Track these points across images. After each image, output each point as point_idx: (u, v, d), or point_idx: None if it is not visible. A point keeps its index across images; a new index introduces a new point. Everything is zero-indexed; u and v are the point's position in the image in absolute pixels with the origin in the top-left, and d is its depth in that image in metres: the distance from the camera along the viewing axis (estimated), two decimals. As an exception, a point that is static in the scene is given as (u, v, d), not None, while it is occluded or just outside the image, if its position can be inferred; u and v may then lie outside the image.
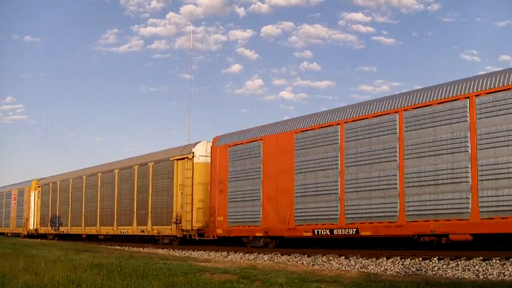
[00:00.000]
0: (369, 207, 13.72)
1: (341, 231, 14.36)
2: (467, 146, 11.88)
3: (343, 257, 13.64)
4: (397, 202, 13.07)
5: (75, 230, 29.03)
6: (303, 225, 15.45)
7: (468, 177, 11.75)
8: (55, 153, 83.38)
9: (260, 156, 17.12)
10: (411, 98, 13.24)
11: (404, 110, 13.21)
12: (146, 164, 23.00)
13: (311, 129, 15.65)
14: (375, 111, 13.97)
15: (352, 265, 12.36)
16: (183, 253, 18.62)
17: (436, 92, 12.80)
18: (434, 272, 10.33)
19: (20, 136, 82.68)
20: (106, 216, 25.80)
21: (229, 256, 16.35)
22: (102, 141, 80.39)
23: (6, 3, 72.69)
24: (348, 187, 14.29)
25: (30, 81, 78.17)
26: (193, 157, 20.18)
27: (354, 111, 14.71)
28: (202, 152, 20.39)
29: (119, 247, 21.79)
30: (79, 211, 28.55)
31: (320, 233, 14.95)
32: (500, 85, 11.53)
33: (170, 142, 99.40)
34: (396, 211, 13.11)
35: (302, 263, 13.35)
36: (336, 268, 12.03)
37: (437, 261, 11.56)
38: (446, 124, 12.35)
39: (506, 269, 9.85)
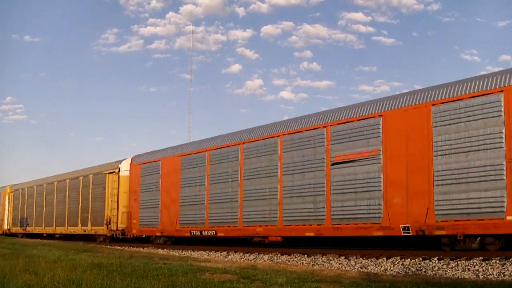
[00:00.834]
0: (223, 215, 18.53)
1: (207, 233, 19.26)
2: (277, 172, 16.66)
3: (343, 257, 13.64)
4: (237, 212, 17.88)
5: (38, 230, 33.90)
6: (184, 228, 20.36)
7: (276, 196, 16.51)
8: (55, 153, 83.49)
9: (159, 173, 22.07)
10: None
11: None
12: (88, 176, 28.02)
13: (188, 154, 20.78)
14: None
15: (352, 265, 12.36)
16: (183, 253, 18.62)
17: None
18: (434, 272, 10.32)
19: (20, 136, 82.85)
20: (60, 218, 30.86)
21: (229, 256, 16.35)
22: (102, 141, 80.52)
23: (5, 3, 72.70)
24: (211, 200, 19.11)
25: (30, 81, 78.38)
26: (119, 171, 24.99)
27: (218, 141, 19.71)
28: (126, 167, 24.80)
29: (119, 247, 21.81)
30: (40, 214, 33.69)
31: (194, 233, 19.87)
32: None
33: (170, 142, 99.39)
34: (237, 219, 17.88)
35: (302, 263, 13.36)
36: (336, 268, 12.03)
37: (437, 261, 11.55)
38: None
39: (506, 269, 9.85)
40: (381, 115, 13.88)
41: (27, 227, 35.32)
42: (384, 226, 13.44)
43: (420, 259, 12.00)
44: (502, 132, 11.45)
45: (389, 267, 11.51)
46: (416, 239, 13.70)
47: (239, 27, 77.55)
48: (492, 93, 11.58)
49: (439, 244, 12.75)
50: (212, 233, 18.97)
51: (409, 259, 12.17)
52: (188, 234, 20.01)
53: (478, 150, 11.78)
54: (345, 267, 12.12)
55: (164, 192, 21.53)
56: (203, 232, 19.34)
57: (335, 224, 14.60)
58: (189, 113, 67.36)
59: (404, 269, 11.10)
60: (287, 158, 16.23)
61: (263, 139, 17.16)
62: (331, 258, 13.82)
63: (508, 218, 11.09)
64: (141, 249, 20.80)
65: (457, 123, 12.21)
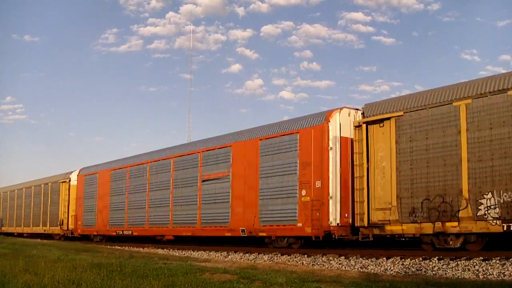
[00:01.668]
0: (136, 219, 23.67)
1: (126, 232, 24.40)
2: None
3: (343, 257, 13.64)
4: (145, 216, 22.98)
5: (10, 229, 38.86)
6: (112, 228, 25.43)
7: (168, 204, 21.58)
8: (55, 153, 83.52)
9: (96, 183, 27.29)
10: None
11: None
12: (47, 184, 33.16)
13: (115, 169, 25.89)
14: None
15: (352, 265, 12.36)
16: (183, 253, 18.63)
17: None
18: (434, 272, 10.32)
19: (19, 136, 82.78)
20: (26, 220, 36.18)
21: (229, 256, 16.35)
22: (102, 141, 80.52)
23: (5, 3, 72.68)
24: (129, 207, 24.22)
25: (30, 81, 78.31)
26: (69, 181, 30.10)
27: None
28: (75, 178, 29.82)
29: (119, 247, 21.82)
30: (12, 216, 39.20)
31: (118, 233, 25.01)
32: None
33: (170, 142, 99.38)
34: (145, 221, 22.94)
35: (302, 263, 13.35)
36: (336, 268, 12.03)
37: (437, 261, 11.55)
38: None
39: (506, 269, 9.85)
40: (230, 146, 18.58)
41: (1, 227, 40.75)
42: (230, 229, 18.16)
43: (420, 259, 12.00)
44: (297, 162, 15.95)
45: (389, 267, 11.51)
46: (249, 238, 17.93)
47: (239, 27, 77.52)
48: (292, 133, 16.48)
49: (263, 242, 17.44)
50: (129, 233, 24.17)
51: (409, 259, 12.16)
52: (115, 233, 25.38)
53: (284, 175, 16.38)
54: (345, 267, 12.12)
55: (99, 199, 26.90)
56: (124, 231, 24.55)
57: (203, 227, 19.48)
58: (189, 113, 67.23)
59: (404, 269, 11.10)
60: (176, 175, 21.30)
61: (163, 159, 22.47)
62: (331, 258, 13.81)
63: (299, 224, 15.59)
64: (141, 249, 20.82)
65: (273, 153, 16.91)
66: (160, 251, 19.71)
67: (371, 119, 14.28)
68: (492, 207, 11.59)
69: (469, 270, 10.21)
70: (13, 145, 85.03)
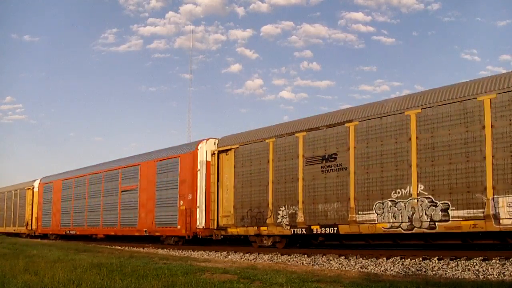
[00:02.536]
0: (79, 221, 28.45)
1: (72, 232, 29.37)
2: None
3: (343, 257, 13.64)
4: (84, 219, 28.11)
5: None
6: (63, 228, 30.46)
7: (99, 209, 26.78)
8: (55, 153, 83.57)
9: (52, 191, 32.38)
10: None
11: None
12: (17, 190, 38.41)
13: (64, 180, 31.18)
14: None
15: (352, 265, 12.35)
16: (183, 253, 18.62)
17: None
18: (434, 272, 10.32)
19: (19, 136, 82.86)
20: (1, 221, 41.19)
21: (229, 256, 16.34)
22: (102, 141, 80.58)
23: (5, 3, 72.72)
24: (74, 211, 29.21)
25: (30, 80, 78.37)
26: (33, 188, 35.09)
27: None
28: (37, 185, 34.65)
29: (119, 247, 21.83)
30: None
31: (66, 232, 29.92)
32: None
33: (171, 142, 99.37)
34: (84, 223, 27.99)
35: (302, 263, 13.35)
36: (336, 268, 12.03)
37: (437, 261, 11.56)
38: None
39: (506, 269, 9.85)
40: (139, 165, 23.68)
41: None
42: (138, 229, 23.13)
43: (420, 259, 12.00)
44: (177, 180, 20.77)
45: (389, 267, 11.51)
46: (150, 237, 22.94)
47: (239, 26, 77.51)
48: (175, 157, 21.28)
49: (159, 240, 22.43)
50: (74, 232, 29.14)
51: (409, 259, 12.17)
52: (64, 233, 30.31)
53: (170, 189, 21.18)
54: (345, 267, 12.12)
55: (53, 204, 31.91)
56: (70, 231, 29.52)
57: (122, 228, 24.57)
58: (189, 113, 67.35)
59: (404, 269, 11.10)
60: (106, 186, 26.26)
61: (96, 173, 27.68)
62: (331, 258, 13.81)
63: (178, 227, 20.35)
64: (141, 249, 20.83)
65: (164, 172, 21.76)
66: (160, 251, 19.71)
67: (221, 148, 19.05)
68: (285, 216, 16.20)
69: (469, 270, 10.22)
70: (13, 145, 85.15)
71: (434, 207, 12.53)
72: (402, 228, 13.13)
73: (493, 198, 11.55)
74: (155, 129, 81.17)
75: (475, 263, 10.77)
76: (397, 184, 13.33)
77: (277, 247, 16.85)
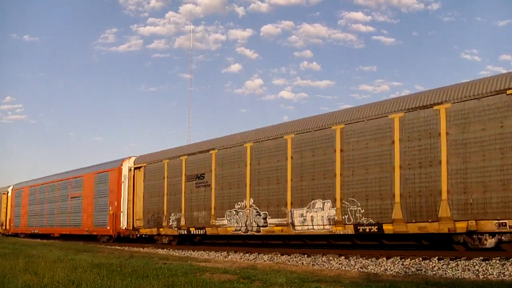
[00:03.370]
0: (41, 221, 33.16)
1: (36, 231, 33.47)
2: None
3: (343, 257, 13.64)
4: (44, 220, 32.73)
5: None
6: (29, 228, 34.94)
7: (54, 212, 31.81)
8: (55, 153, 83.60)
9: (21, 196, 36.82)
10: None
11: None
12: None
13: (32, 186, 35.53)
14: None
15: (352, 265, 12.35)
16: (183, 253, 18.62)
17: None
18: (434, 272, 10.32)
19: (19, 136, 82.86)
20: None
21: (229, 256, 16.34)
22: (102, 140, 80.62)
23: (5, 3, 72.68)
24: (40, 213, 33.62)
25: (29, 80, 78.43)
26: (7, 193, 39.67)
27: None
28: (10, 191, 39.37)
29: (119, 247, 21.82)
30: None
31: (32, 231, 34.23)
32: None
33: (171, 142, 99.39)
34: (44, 224, 32.92)
35: (302, 263, 13.35)
36: (336, 268, 12.03)
37: (437, 261, 11.55)
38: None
39: (506, 269, 9.85)
40: (83, 176, 28.30)
41: None
42: (82, 229, 27.67)
43: (420, 259, 12.00)
44: (108, 189, 25.61)
45: (389, 267, 11.51)
46: (90, 236, 27.19)
47: (238, 26, 77.58)
48: (107, 171, 26.06)
49: (96, 238, 26.57)
50: (37, 231, 33.51)
51: (409, 259, 12.16)
52: (30, 232, 34.69)
53: (103, 197, 25.80)
54: (345, 267, 12.12)
55: (22, 207, 36.50)
56: (34, 231, 33.96)
57: (71, 228, 29.05)
58: (189, 113, 67.62)
59: (404, 269, 11.10)
60: (61, 193, 30.77)
61: (54, 182, 32.33)
62: (331, 258, 13.81)
63: (108, 228, 25.02)
64: (141, 249, 20.82)
65: (100, 183, 26.22)
66: (160, 251, 19.71)
67: (136, 165, 23.71)
68: (174, 220, 20.82)
69: (469, 270, 10.22)
70: (13, 145, 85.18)
71: (259, 216, 16.85)
72: (242, 231, 17.55)
73: (291, 211, 15.72)
74: (155, 129, 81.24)
75: (475, 263, 10.76)
76: (239, 198, 17.79)
77: (172, 244, 21.49)
